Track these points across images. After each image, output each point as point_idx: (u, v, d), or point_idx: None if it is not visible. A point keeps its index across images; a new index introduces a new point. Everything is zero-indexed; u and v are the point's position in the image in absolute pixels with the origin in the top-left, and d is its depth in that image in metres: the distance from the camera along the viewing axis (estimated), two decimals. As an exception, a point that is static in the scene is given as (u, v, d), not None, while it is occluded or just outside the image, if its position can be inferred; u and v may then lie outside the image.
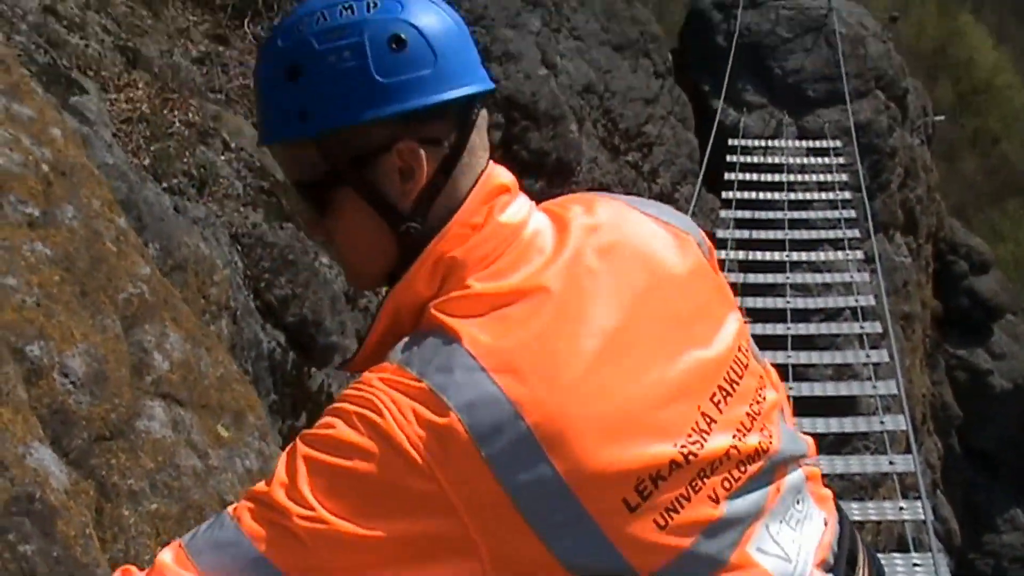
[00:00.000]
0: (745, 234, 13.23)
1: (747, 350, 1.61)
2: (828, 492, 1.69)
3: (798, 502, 1.57)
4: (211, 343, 3.97)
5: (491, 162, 1.62)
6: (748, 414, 1.52)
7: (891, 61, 19.33)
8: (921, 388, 19.63)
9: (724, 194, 14.26)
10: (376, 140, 1.51)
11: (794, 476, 1.58)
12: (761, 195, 14.24)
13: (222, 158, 7.19)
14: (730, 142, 15.65)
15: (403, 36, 1.50)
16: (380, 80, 1.48)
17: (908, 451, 9.08)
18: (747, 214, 13.75)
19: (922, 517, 8.16)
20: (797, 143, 16.66)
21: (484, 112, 1.61)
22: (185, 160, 6.65)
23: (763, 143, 16.40)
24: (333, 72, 1.48)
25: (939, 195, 22.84)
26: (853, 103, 16.84)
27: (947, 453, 21.22)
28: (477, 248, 1.51)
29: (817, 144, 16.52)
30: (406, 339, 1.46)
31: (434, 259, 1.50)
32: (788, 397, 1.88)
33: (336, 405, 1.41)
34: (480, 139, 1.60)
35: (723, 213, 14.01)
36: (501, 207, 1.56)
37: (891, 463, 8.95)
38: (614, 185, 13.00)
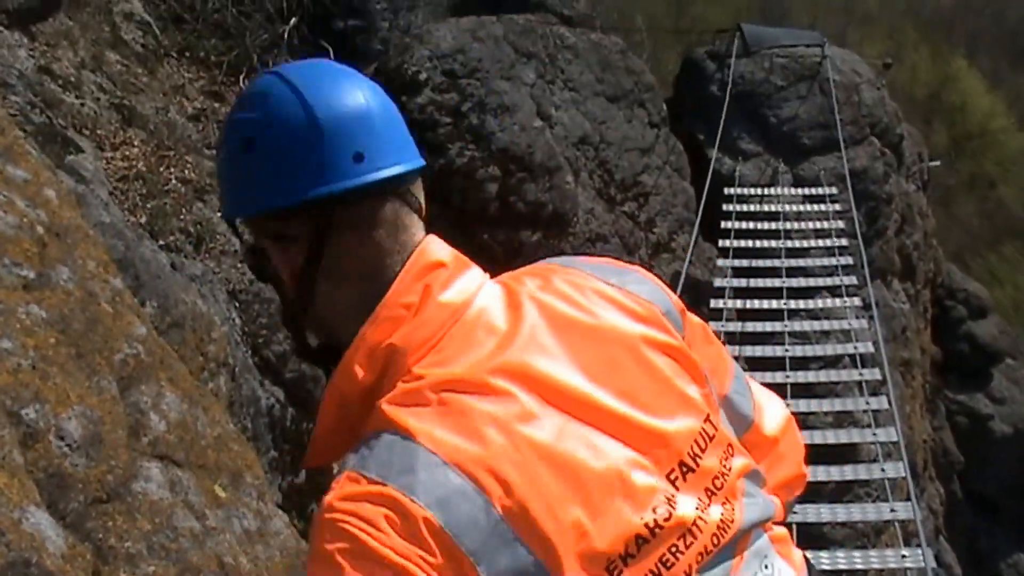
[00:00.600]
0: (743, 282, 13.20)
1: (714, 420, 1.58)
2: (798, 554, 1.67)
3: (765, 567, 1.55)
4: (208, 402, 3.96)
5: (428, 237, 1.58)
6: (708, 489, 1.50)
7: (885, 107, 19.40)
8: (922, 434, 19.55)
9: (721, 242, 14.23)
10: (254, 231, 1.57)
11: (759, 542, 1.57)
12: (758, 243, 14.23)
13: (219, 215, 7.21)
14: (726, 191, 15.66)
15: (252, 137, 1.52)
16: (239, 179, 1.54)
17: (909, 498, 9.02)
18: (744, 262, 13.73)
19: (923, 565, 8.10)
20: (793, 191, 16.67)
21: (376, 204, 1.54)
22: (182, 217, 6.67)
23: (759, 191, 16.41)
24: (221, 166, 1.58)
25: (936, 240, 22.86)
26: (848, 150, 16.87)
27: (949, 499, 21.09)
28: (415, 332, 1.46)
29: (813, 191, 16.52)
30: (359, 444, 1.40)
31: (369, 346, 1.46)
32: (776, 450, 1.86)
33: (315, 548, 1.34)
34: (359, 232, 1.53)
35: (720, 262, 14.00)
36: (441, 285, 1.51)
37: (892, 510, 8.90)
38: (611, 236, 13.01)
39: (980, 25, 45.57)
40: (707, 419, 1.55)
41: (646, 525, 1.41)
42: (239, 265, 6.88)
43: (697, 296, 13.91)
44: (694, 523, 1.45)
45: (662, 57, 26.12)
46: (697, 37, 23.13)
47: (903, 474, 9.38)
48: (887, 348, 12.61)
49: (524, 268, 1.68)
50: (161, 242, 6.22)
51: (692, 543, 1.44)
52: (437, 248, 1.57)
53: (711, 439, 1.54)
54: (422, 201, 1.62)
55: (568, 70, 13.99)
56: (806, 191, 16.60)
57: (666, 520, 1.42)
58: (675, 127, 16.53)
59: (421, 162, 1.60)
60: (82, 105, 6.70)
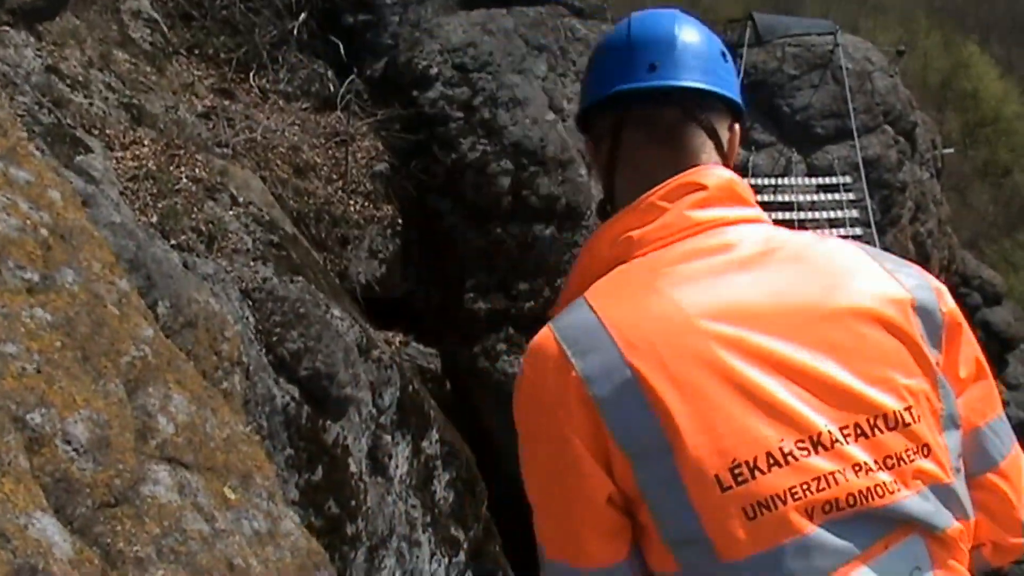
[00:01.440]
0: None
1: (919, 416, 1.57)
2: None
3: None
4: (217, 403, 3.93)
5: (711, 164, 1.77)
6: (877, 461, 1.51)
7: (898, 95, 19.29)
8: (940, 422, 19.47)
9: (735, 234, 14.18)
10: (584, 126, 1.92)
11: (915, 545, 1.53)
12: (772, 234, 14.16)
13: (230, 213, 7.18)
14: (739, 181, 15.63)
15: (592, 56, 1.91)
16: (581, 93, 1.93)
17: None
18: (758, 253, 13.68)
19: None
20: (807, 180, 16.61)
21: (660, 109, 1.80)
22: (193, 216, 6.64)
23: (773, 181, 16.35)
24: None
25: (950, 228, 22.74)
26: (861, 138, 16.81)
27: (968, 487, 21.02)
28: (653, 232, 1.67)
29: (827, 181, 16.46)
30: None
31: (615, 232, 1.70)
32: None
33: None
34: (645, 131, 1.80)
35: (734, 253, 13.95)
36: (695, 203, 1.70)
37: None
38: (624, 227, 12.95)
39: (993, 12, 45.35)
40: (908, 408, 1.56)
41: (780, 449, 1.48)
42: (252, 263, 6.86)
43: (712, 287, 13.87)
44: (832, 475, 1.48)
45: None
46: (709, 27, 23.04)
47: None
48: (904, 337, 12.53)
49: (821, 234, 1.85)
50: (173, 241, 6.19)
51: (824, 490, 1.47)
52: (709, 174, 1.73)
53: (904, 426, 1.55)
54: (719, 131, 1.82)
55: (580, 62, 13.92)
56: (820, 180, 16.54)
57: (806, 456, 1.48)
58: (687, 118, 16.45)
59: (719, 90, 1.81)
60: (90, 104, 6.67)
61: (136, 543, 2.92)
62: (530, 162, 12.04)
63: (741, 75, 17.60)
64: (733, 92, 1.84)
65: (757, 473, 1.46)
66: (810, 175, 16.91)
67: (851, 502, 1.47)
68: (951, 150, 26.61)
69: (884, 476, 1.50)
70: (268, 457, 4.57)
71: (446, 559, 8.64)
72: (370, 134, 11.62)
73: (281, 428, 6.37)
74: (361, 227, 10.80)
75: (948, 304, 1.69)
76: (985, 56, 40.68)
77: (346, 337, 7.35)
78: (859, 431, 1.51)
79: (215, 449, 3.59)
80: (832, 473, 1.47)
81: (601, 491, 1.54)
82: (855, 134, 16.53)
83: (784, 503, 1.45)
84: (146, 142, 6.99)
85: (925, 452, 1.55)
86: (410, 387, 8.41)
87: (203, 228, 6.63)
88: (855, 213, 15.16)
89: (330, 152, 11.04)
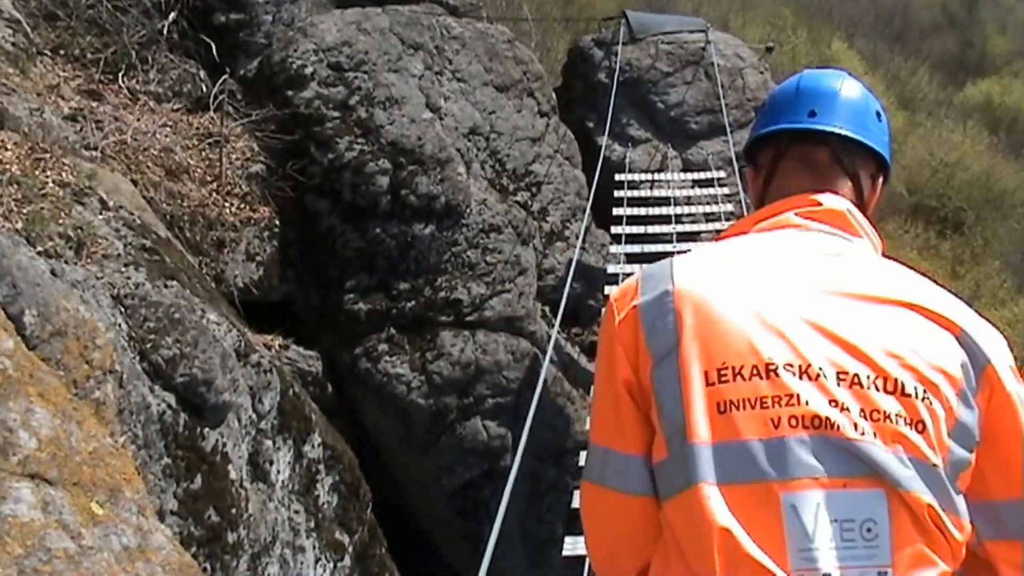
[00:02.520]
0: (635, 268, 13.24)
1: (926, 401, 1.73)
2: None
3: (868, 530, 1.63)
4: (83, 416, 3.81)
5: (837, 194, 2.10)
6: (863, 410, 1.69)
7: (769, 91, 19.61)
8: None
9: (613, 229, 14.26)
10: (749, 157, 2.31)
11: (875, 499, 1.65)
12: (650, 229, 14.28)
13: (100, 217, 7.00)
14: (617, 177, 15.73)
15: (764, 100, 2.36)
16: (754, 123, 2.31)
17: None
18: (636, 248, 13.80)
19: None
20: (682, 176, 16.82)
21: (813, 149, 2.16)
22: (61, 222, 6.46)
23: (649, 177, 16.53)
24: None
25: (823, 219, 23.21)
26: (734, 133, 17.04)
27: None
28: (766, 224, 2.06)
29: (702, 176, 16.70)
30: None
31: (745, 222, 2.12)
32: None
33: None
34: (797, 165, 2.17)
35: (613, 248, 14.06)
36: (803, 213, 2.04)
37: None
38: (504, 226, 12.95)
39: (857, 8, 46.58)
40: (915, 387, 1.73)
41: (767, 364, 1.73)
42: (123, 269, 6.69)
43: (591, 283, 13.94)
44: (805, 400, 1.70)
45: (550, 46, 26.15)
46: (584, 25, 23.22)
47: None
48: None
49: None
50: (39, 248, 6.01)
51: (791, 405, 1.70)
52: (827, 198, 2.08)
53: (902, 395, 1.72)
54: (862, 177, 2.18)
55: (456, 60, 13.92)
56: (695, 175, 16.77)
57: (789, 379, 1.72)
58: (565, 115, 16.55)
59: (866, 140, 2.16)
60: (-52, 108, 6.45)
61: (-3, 564, 2.82)
62: (408, 161, 11.99)
63: (616, 72, 17.77)
64: (880, 147, 2.19)
65: (739, 378, 1.73)
66: (685, 170, 17.13)
67: (816, 424, 1.68)
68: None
69: (862, 422, 1.68)
70: (138, 470, 4.46)
71: (331, 564, 8.56)
72: (245, 135, 11.45)
73: (157, 437, 6.24)
74: (237, 229, 10.63)
75: (1001, 359, 1.84)
76: (852, 52, 41.72)
77: (223, 342, 7.23)
78: (855, 380, 1.71)
79: (81, 463, 3.49)
80: (804, 396, 1.70)
81: (620, 374, 1.88)
82: (728, 129, 16.76)
83: (752, 407, 1.70)
84: (9, 145, 6.79)
85: (919, 428, 1.71)
86: (291, 391, 8.32)
87: (71, 234, 6.45)
88: (729, 207, 15.37)
89: (204, 154, 10.85)
